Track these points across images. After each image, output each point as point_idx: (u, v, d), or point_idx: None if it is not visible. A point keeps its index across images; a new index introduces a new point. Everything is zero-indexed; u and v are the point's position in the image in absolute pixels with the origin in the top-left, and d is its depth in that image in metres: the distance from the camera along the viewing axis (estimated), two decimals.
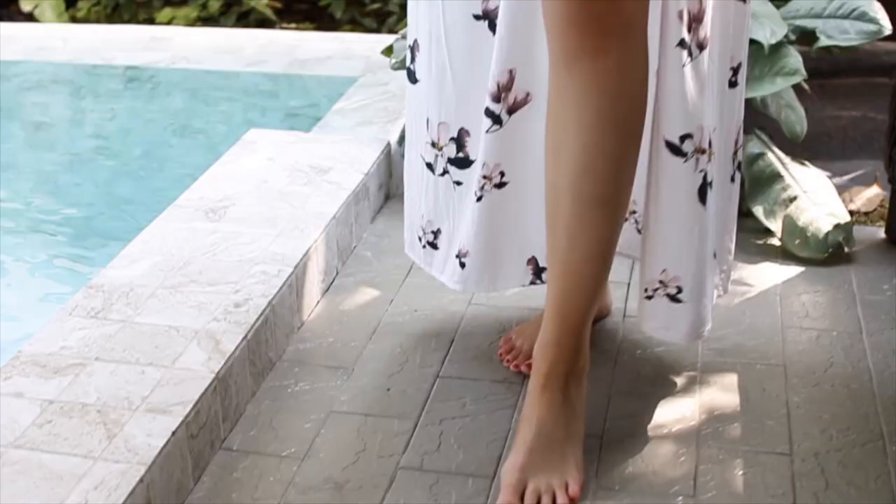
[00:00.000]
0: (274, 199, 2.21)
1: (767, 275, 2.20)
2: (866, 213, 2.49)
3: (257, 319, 1.82)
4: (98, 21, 4.13)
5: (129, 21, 4.12)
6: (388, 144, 2.48)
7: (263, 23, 4.05)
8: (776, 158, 2.34)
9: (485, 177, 1.75)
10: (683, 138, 1.63)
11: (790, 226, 2.24)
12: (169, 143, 2.96)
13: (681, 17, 1.57)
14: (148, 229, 2.10)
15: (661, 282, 1.72)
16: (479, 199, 1.77)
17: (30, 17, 4.19)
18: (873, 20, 2.27)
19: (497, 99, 1.69)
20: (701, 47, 1.61)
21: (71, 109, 3.16)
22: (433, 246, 1.91)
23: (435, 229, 1.89)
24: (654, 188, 1.67)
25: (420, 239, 1.92)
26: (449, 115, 1.79)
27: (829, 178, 2.70)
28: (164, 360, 1.71)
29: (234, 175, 2.31)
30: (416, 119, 1.86)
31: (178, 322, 1.81)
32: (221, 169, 2.35)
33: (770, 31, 2.22)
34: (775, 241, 2.31)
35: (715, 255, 1.78)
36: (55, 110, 3.16)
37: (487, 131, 1.72)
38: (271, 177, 2.31)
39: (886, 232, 2.34)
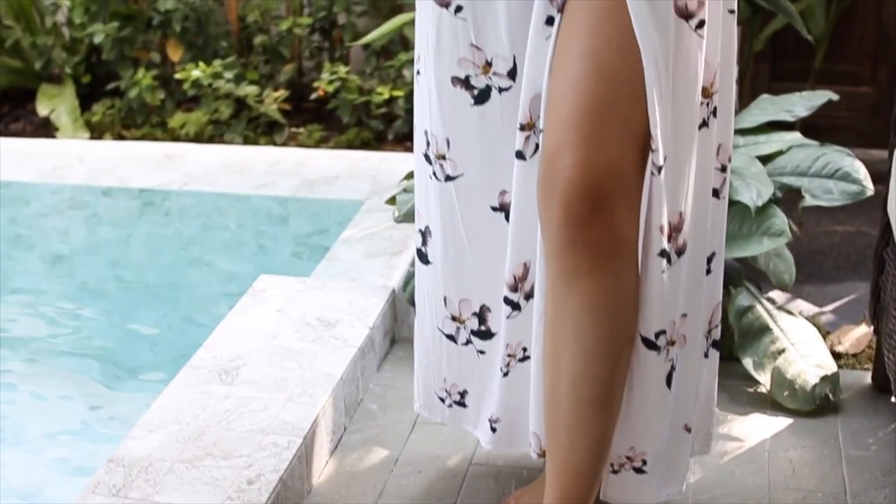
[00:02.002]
0: (283, 357, 2.32)
1: (756, 428, 2.30)
2: (854, 355, 2.58)
3: (269, 497, 1.92)
4: (112, 123, 4.24)
5: (143, 124, 4.23)
6: (393, 292, 2.59)
7: (273, 125, 4.17)
8: (764, 311, 2.43)
9: (509, 355, 1.89)
10: (658, 335, 1.74)
11: (779, 378, 2.34)
12: (183, 274, 3.07)
13: (662, 230, 1.68)
14: (165, 394, 2.20)
15: (627, 457, 1.84)
16: (505, 374, 1.91)
17: (46, 121, 4.30)
18: (856, 181, 2.37)
19: (514, 289, 1.83)
20: (679, 253, 1.72)
21: (87, 237, 3.27)
22: (461, 405, 2.03)
23: (462, 390, 2.02)
24: (627, 377, 1.78)
25: (443, 400, 2.04)
26: (470, 292, 1.92)
27: (820, 314, 2.81)
28: None
29: (245, 330, 2.42)
30: (429, 295, 1.98)
31: (195, 500, 1.90)
32: (233, 322, 2.45)
33: (756, 192, 2.33)
34: (764, 389, 2.41)
35: (687, 428, 1.88)
36: (72, 237, 3.27)
37: (508, 317, 1.85)
38: (280, 332, 2.41)
39: (873, 378, 2.43)
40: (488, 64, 1.77)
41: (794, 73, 3.76)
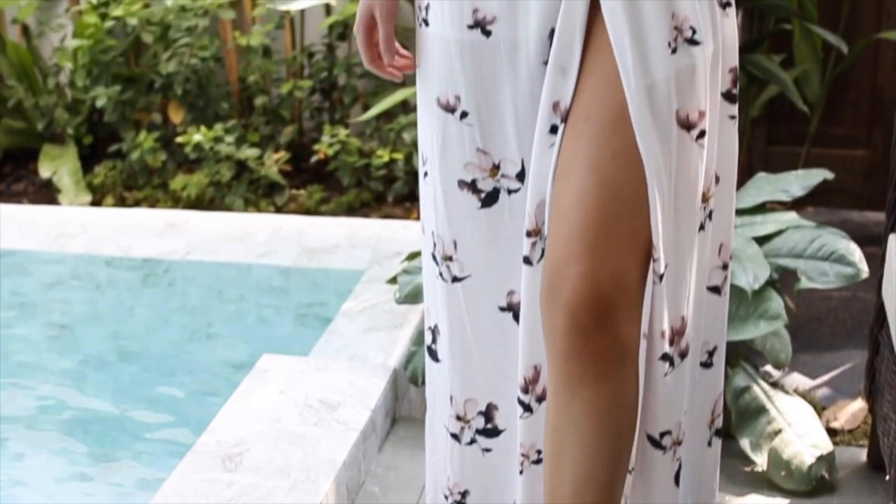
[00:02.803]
0: (286, 442, 2.34)
1: None
2: (850, 431, 2.60)
3: None
4: (114, 185, 4.28)
5: (144, 186, 4.26)
6: (394, 371, 2.61)
7: (273, 186, 4.20)
8: (761, 391, 2.46)
9: (523, 454, 1.89)
10: (663, 434, 1.77)
11: (775, 459, 2.37)
12: (185, 346, 3.10)
13: (664, 335, 1.71)
14: (169, 482, 2.22)
15: None
16: (521, 472, 1.91)
17: (48, 182, 4.34)
18: (851, 264, 2.41)
19: (526, 391, 1.83)
20: (683, 356, 1.75)
21: (90, 308, 3.29)
22: None
23: (462, 490, 2.02)
24: (637, 475, 1.81)
25: (447, 498, 2.05)
26: (476, 391, 1.93)
27: (815, 388, 2.84)
28: None
29: (248, 413, 2.44)
30: (439, 393, 2.00)
31: None
32: (236, 405, 2.48)
33: (753, 275, 2.36)
34: (761, 469, 2.43)
35: None
36: (75, 308, 3.29)
37: (521, 417, 1.86)
38: (283, 415, 2.44)
39: (868, 456, 2.46)
40: (496, 167, 1.79)
41: (789, 137, 3.80)
